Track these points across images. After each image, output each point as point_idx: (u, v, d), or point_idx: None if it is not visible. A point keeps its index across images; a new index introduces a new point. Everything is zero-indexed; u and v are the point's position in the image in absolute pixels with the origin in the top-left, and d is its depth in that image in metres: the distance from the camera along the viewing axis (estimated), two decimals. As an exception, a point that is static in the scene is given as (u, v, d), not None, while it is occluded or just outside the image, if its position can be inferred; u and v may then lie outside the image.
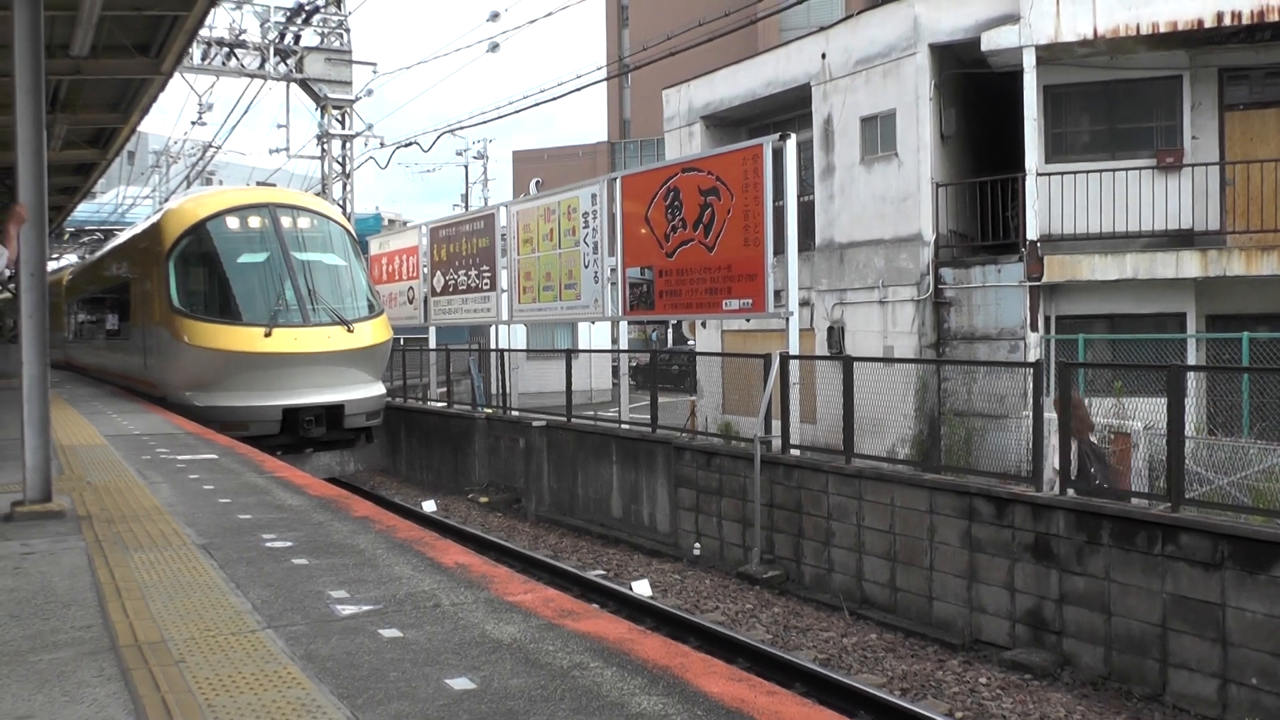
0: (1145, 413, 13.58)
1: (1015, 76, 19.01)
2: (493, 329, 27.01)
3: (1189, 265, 17.80)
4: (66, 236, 55.78)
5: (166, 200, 37.48)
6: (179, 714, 4.44)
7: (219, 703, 4.57)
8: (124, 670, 5.01)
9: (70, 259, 57.01)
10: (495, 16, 30.49)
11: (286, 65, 33.19)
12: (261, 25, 32.73)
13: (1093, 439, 13.60)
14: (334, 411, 19.35)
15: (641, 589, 14.63)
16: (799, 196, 17.16)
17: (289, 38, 33.29)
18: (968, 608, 12.52)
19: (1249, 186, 18.70)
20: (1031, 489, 12.06)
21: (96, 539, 7.98)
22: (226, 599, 6.26)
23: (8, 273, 9.07)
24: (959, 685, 11.11)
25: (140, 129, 21.57)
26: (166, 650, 5.29)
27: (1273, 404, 14.25)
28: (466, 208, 62.97)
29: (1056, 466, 12.62)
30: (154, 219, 22.76)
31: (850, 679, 10.79)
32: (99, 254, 33.51)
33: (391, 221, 62.57)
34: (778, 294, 16.50)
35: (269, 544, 7.82)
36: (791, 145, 16.26)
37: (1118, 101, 19.75)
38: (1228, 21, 17.65)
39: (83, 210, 44.41)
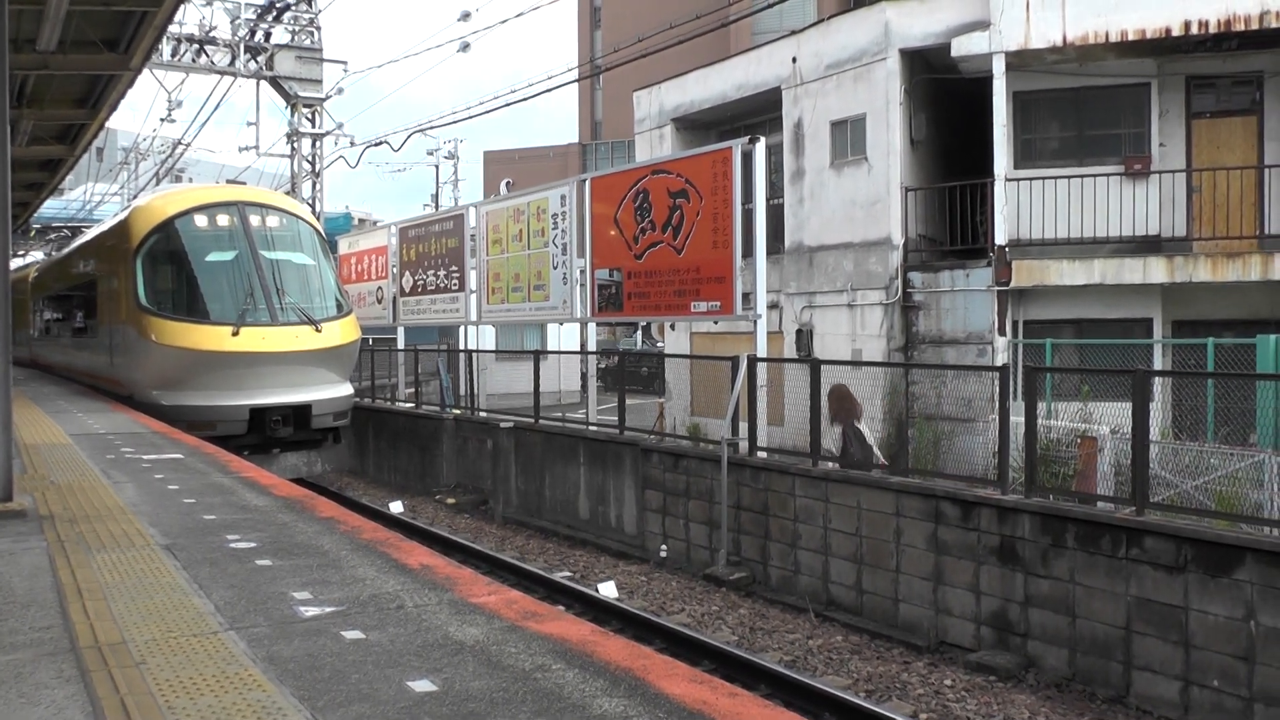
0: (1111, 417, 13.65)
1: (985, 82, 19.09)
2: (461, 329, 26.95)
3: (1156, 271, 17.92)
4: (33, 233, 55.38)
5: (135, 197, 37.28)
6: (138, 716, 4.42)
7: (179, 705, 4.55)
8: (83, 672, 4.98)
9: (37, 256, 56.61)
10: (466, 16, 30.50)
11: (257, 63, 33.03)
12: (232, 22, 32.58)
13: (857, 424, 15.59)
14: (301, 411, 19.28)
15: (608, 590, 14.63)
16: (769, 199, 17.21)
17: (259, 35, 33.14)
18: (933, 610, 12.56)
19: (1215, 194, 18.85)
20: (997, 492, 12.11)
21: (58, 539, 7.93)
22: (189, 600, 6.24)
23: None
24: (924, 687, 11.15)
25: (109, 125, 21.45)
26: (127, 652, 5.26)
27: (1236, 409, 14.36)
28: (436, 208, 62.80)
29: (829, 446, 15.11)
30: (122, 216, 22.64)
31: (815, 680, 10.82)
32: (66, 251, 33.29)
33: (361, 221, 62.34)
34: (746, 296, 16.51)
35: (233, 545, 7.79)
36: (760, 148, 16.28)
37: (1086, 108, 19.87)
38: (1195, 30, 17.77)
39: (49, 207, 44.12)
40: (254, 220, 20.08)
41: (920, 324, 19.79)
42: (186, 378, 18.64)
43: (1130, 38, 18.12)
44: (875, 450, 15.83)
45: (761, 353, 16.30)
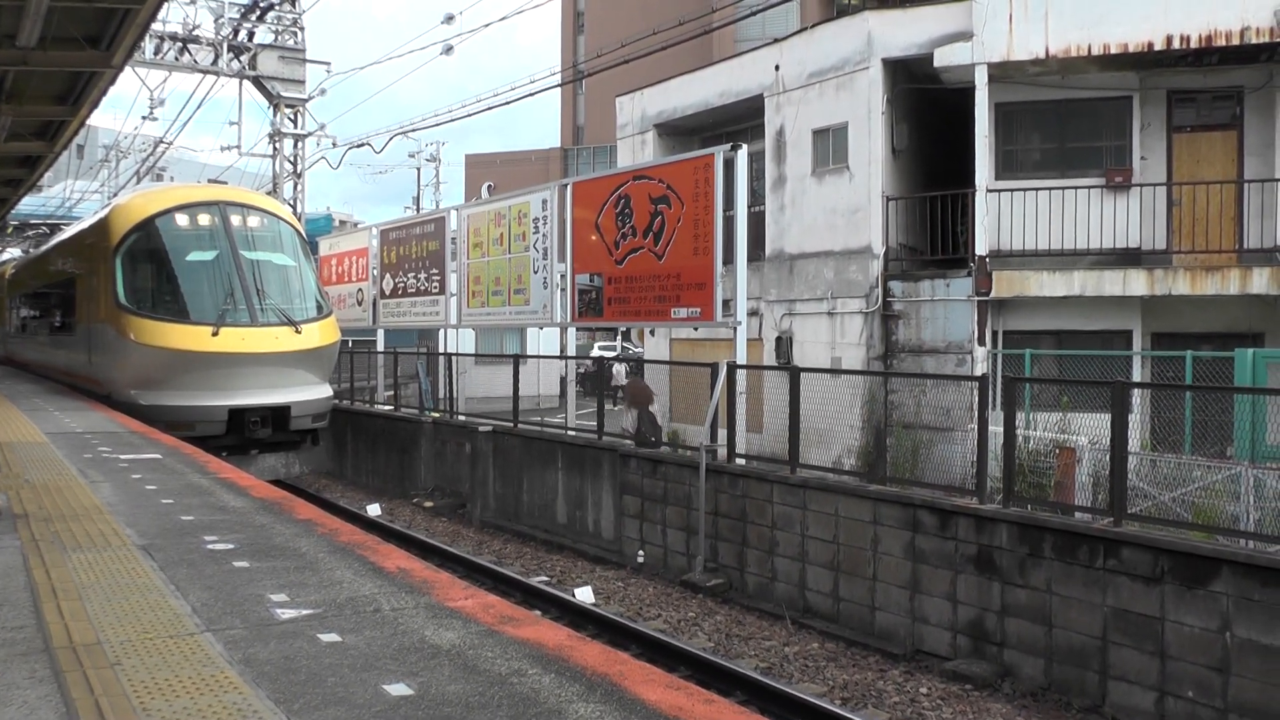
0: (1090, 428, 13.70)
1: (967, 93, 19.15)
2: (441, 332, 26.90)
3: (1135, 284, 18.00)
4: (10, 230, 55.10)
5: (115, 195, 37.11)
6: (113, 718, 4.39)
7: (154, 707, 4.52)
8: (57, 672, 4.95)
9: (14, 253, 56.34)
10: (450, 19, 30.47)
11: (240, 62, 32.94)
12: (215, 21, 32.48)
13: (650, 410, 18.37)
14: (280, 413, 19.19)
15: (584, 596, 14.61)
16: (750, 207, 17.23)
17: (243, 34, 33.06)
18: (910, 618, 12.58)
19: (1195, 207, 18.95)
20: (975, 501, 12.14)
21: (33, 538, 7.88)
22: (166, 601, 6.20)
23: None
24: (899, 695, 11.16)
25: (90, 123, 21.34)
26: (102, 652, 5.23)
27: (1214, 421, 14.42)
28: (418, 210, 62.73)
29: (627, 427, 18.19)
30: (102, 214, 22.51)
31: (791, 688, 10.81)
32: (44, 248, 33.11)
33: (343, 223, 62.29)
34: (726, 303, 16.53)
35: (210, 546, 7.75)
36: (743, 155, 16.29)
37: (1068, 120, 19.94)
38: (1176, 45, 17.88)
39: (28, 203, 43.91)
40: (235, 220, 20.00)
41: (900, 333, 19.83)
42: (165, 377, 18.54)
43: (1112, 51, 18.21)
44: (662, 431, 18.84)
45: (741, 360, 16.31)
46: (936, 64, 19.25)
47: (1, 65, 14.99)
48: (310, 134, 35.51)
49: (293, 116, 34.94)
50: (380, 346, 29.19)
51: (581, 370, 34.78)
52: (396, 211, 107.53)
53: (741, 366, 16.21)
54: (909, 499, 12.74)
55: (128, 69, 18.03)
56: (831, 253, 20.72)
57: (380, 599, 6.29)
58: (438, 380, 26.56)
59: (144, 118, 37.49)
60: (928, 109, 21.38)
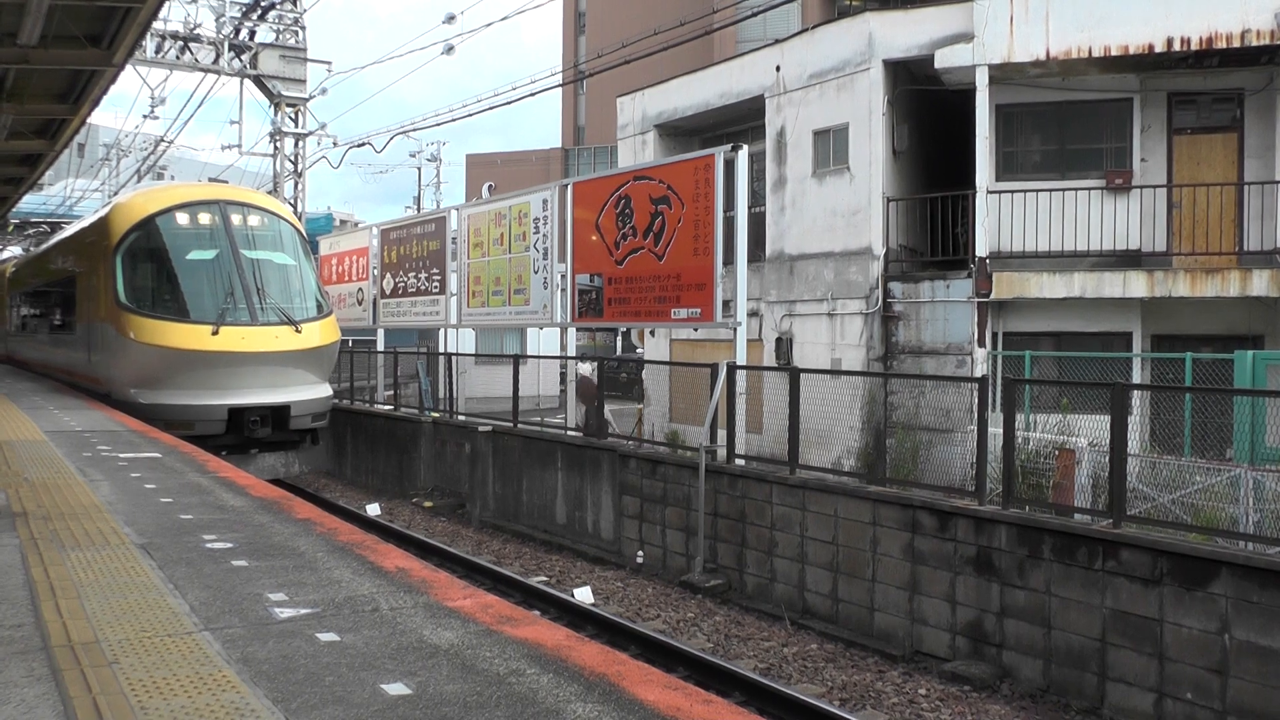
0: (1090, 430, 13.69)
1: (968, 94, 19.14)
2: (441, 332, 26.90)
3: (1135, 285, 17.98)
4: (11, 228, 55.08)
5: (116, 194, 37.11)
6: (110, 716, 4.39)
7: (152, 705, 4.52)
8: (55, 670, 4.95)
9: (15, 251, 56.31)
10: (451, 19, 30.49)
11: (241, 61, 32.96)
12: (216, 20, 32.50)
13: (598, 405, 19.40)
14: (280, 412, 19.20)
15: (583, 596, 14.60)
16: (750, 208, 17.23)
17: (244, 33, 33.08)
18: (909, 619, 12.58)
19: (1195, 210, 18.94)
20: (974, 503, 12.13)
21: (31, 536, 7.88)
22: (164, 600, 6.20)
23: None
24: (898, 696, 11.15)
25: (90, 121, 21.35)
26: (100, 651, 5.23)
27: (1213, 424, 14.41)
28: (419, 210, 62.72)
29: (579, 421, 19.04)
30: (102, 213, 22.51)
31: (789, 689, 10.81)
32: (44, 247, 33.12)
33: (343, 222, 62.19)
34: (726, 304, 16.53)
35: (209, 545, 7.76)
36: (743, 156, 16.29)
37: (1069, 122, 19.93)
38: (1177, 46, 17.86)
39: (29, 202, 43.90)
40: (235, 219, 20.00)
41: (900, 334, 19.82)
42: (165, 376, 18.54)
43: (1113, 53, 18.19)
44: (610, 423, 19.59)
45: (741, 360, 16.30)
46: (937, 65, 19.24)
47: (3, 63, 15.00)
48: (311, 133, 35.54)
49: (293, 116, 34.96)
50: (380, 346, 29.18)
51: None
52: (397, 211, 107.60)
53: (741, 367, 16.21)
54: (908, 500, 12.74)
55: (129, 67, 18.06)
56: (832, 254, 20.70)
57: (379, 598, 6.29)
58: (437, 380, 26.55)
59: (145, 116, 37.54)
60: (928, 110, 21.37)
